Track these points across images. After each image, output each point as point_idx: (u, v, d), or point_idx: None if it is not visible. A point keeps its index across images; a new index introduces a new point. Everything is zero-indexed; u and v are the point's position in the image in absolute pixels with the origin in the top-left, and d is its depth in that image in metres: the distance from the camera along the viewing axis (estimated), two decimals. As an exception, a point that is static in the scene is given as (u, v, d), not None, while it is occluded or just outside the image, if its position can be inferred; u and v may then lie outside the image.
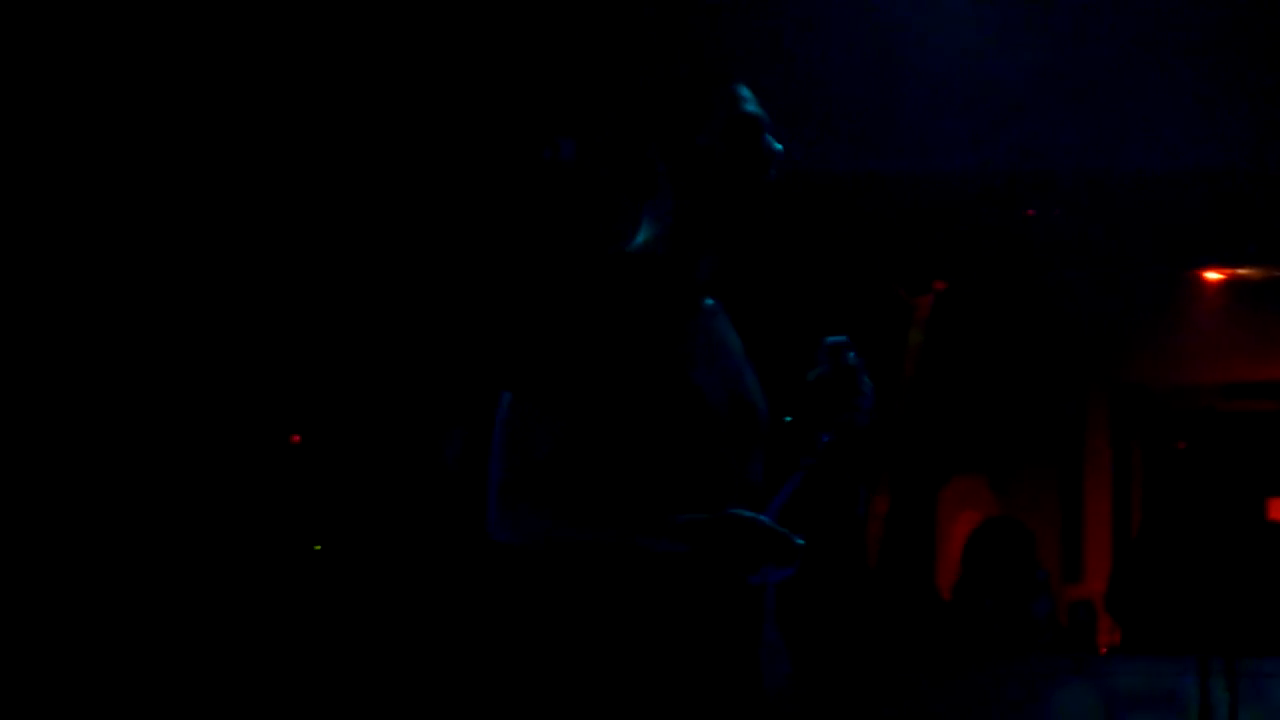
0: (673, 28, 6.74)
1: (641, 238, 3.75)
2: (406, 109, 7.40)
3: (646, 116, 3.72)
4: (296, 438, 7.58)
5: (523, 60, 7.15)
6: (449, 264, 7.63)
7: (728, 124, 3.68)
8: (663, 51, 6.70)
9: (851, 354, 3.70)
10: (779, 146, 3.73)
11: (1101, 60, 6.86)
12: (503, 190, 7.57)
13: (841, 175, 7.20)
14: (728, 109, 3.70)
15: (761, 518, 3.50)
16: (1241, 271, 8.70)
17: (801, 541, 3.53)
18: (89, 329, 7.16)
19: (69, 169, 7.01)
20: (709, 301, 3.77)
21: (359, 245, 7.65)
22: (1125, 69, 6.98)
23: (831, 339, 3.72)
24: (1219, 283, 8.85)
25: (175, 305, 7.34)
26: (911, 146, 7.61)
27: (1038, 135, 7.46)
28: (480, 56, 7.16)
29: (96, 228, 7.11)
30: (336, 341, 7.65)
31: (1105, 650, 8.05)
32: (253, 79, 7.14)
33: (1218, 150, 7.59)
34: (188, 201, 7.30)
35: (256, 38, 7.04)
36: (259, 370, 7.54)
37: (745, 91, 3.74)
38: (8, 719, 6.88)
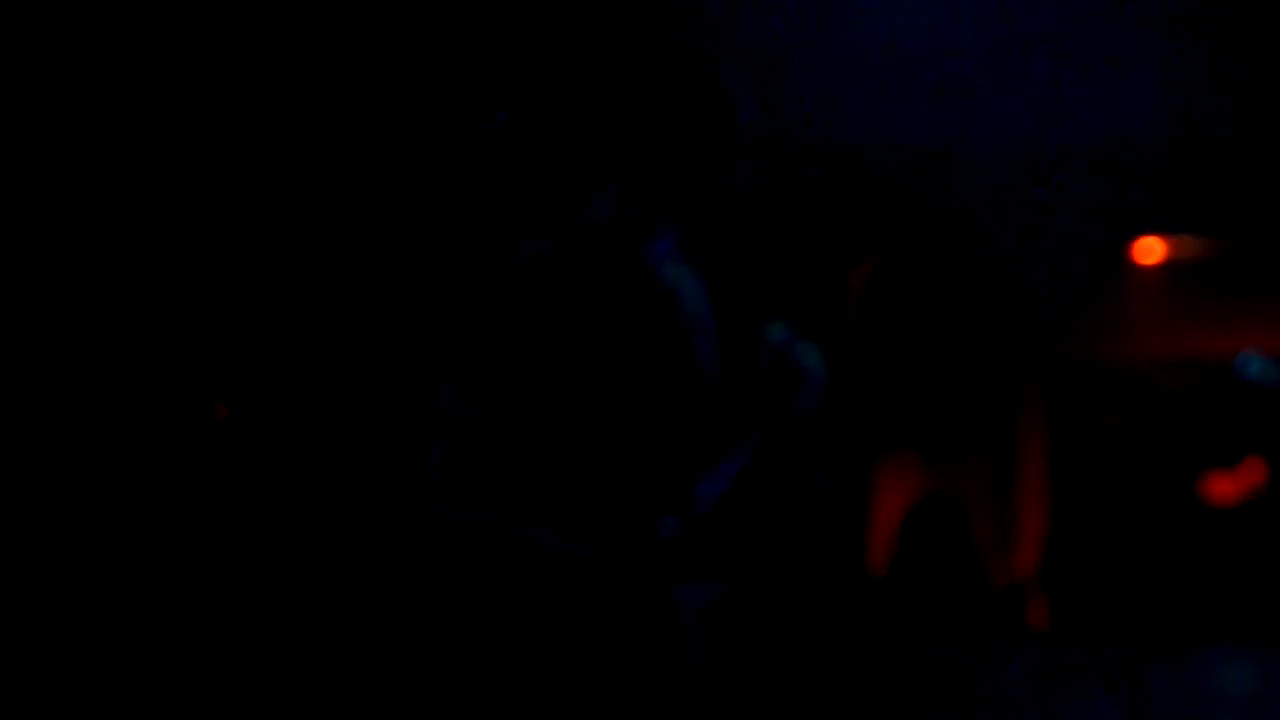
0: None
1: (591, 216, 3.69)
2: (356, 84, 7.38)
3: (616, 83, 3.66)
4: (224, 411, 7.49)
5: (468, 24, 7.10)
6: (387, 245, 7.60)
7: (705, 99, 3.63)
8: (607, 14, 6.64)
9: (796, 346, 3.67)
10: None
11: (1041, 33, 6.82)
12: (442, 162, 7.54)
13: (777, 147, 7.16)
14: (705, 83, 3.65)
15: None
16: (1179, 245, 8.68)
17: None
18: (58, 317, 7.14)
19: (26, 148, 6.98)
20: (668, 269, 3.70)
21: (295, 219, 7.61)
22: (1065, 41, 6.94)
23: (773, 334, 3.68)
24: (1156, 257, 8.83)
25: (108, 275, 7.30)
26: (847, 118, 7.58)
27: (974, 106, 7.43)
28: (429, 20, 7.11)
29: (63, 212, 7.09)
30: (271, 316, 7.60)
31: (1034, 629, 8.03)
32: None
33: (1156, 122, 7.58)
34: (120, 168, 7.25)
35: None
36: (189, 343, 7.50)
37: (723, 67, 3.69)
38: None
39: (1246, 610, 7.61)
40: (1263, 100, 7.26)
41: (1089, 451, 8.82)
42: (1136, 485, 7.32)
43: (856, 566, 8.43)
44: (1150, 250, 8.77)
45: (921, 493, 8.27)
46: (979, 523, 8.33)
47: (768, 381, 3.68)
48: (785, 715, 6.78)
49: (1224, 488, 8.14)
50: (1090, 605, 7.49)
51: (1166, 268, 8.84)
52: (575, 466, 3.52)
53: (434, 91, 7.37)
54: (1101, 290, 9.10)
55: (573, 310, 3.49)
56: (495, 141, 6.96)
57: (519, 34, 7.07)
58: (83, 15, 6.74)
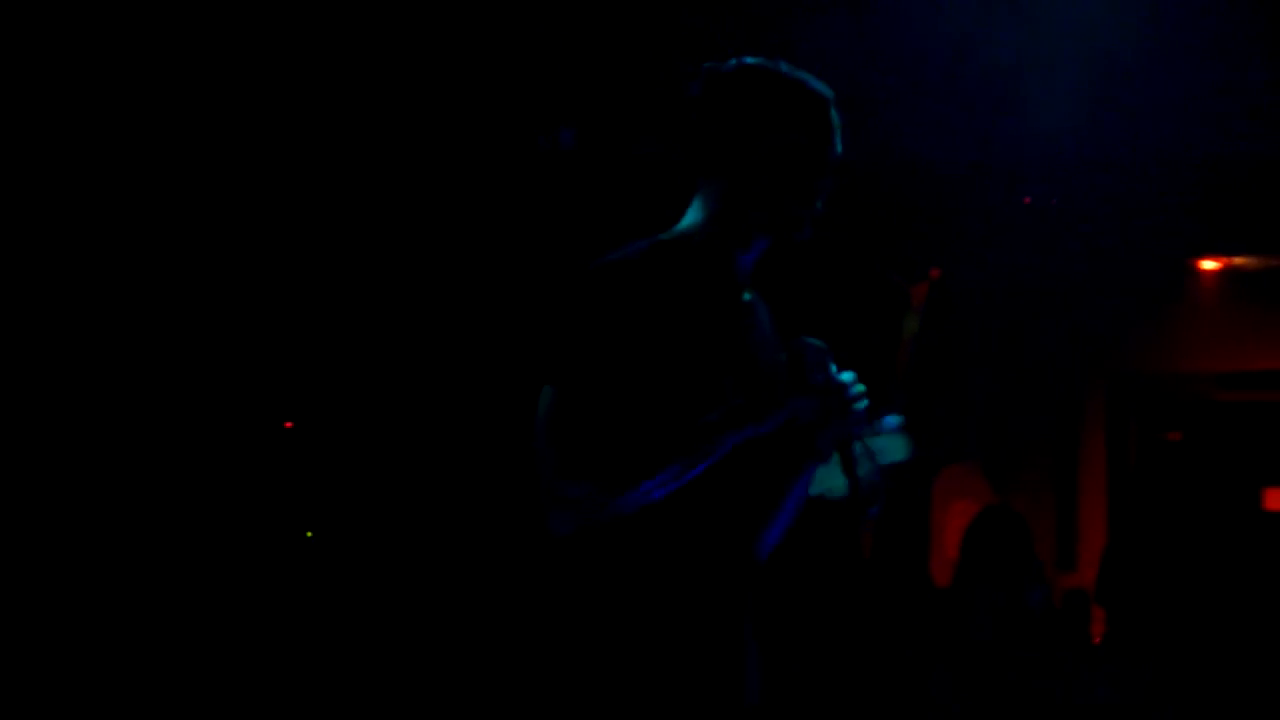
0: (661, 16, 6.71)
1: (686, 223, 3.72)
2: (417, 98, 7.40)
3: (728, 99, 3.69)
4: (289, 424, 7.54)
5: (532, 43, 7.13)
6: (462, 257, 7.63)
7: (812, 124, 3.67)
8: (653, 40, 6.68)
9: (818, 361, 3.69)
10: (840, 150, 3.72)
11: (1101, 49, 6.84)
12: (517, 181, 7.58)
13: (839, 163, 7.21)
14: (815, 109, 3.69)
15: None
16: (1238, 261, 8.69)
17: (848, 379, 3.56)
18: (82, 318, 7.14)
19: (58, 162, 7.00)
20: (747, 296, 3.74)
21: (372, 238, 7.65)
22: (1124, 58, 6.96)
23: (805, 343, 3.71)
24: (1216, 271, 8.83)
25: (168, 294, 7.33)
26: (909, 134, 7.60)
27: (1036, 124, 7.44)
28: (491, 38, 7.14)
29: (79, 214, 7.10)
30: (351, 331, 7.65)
31: (1098, 640, 8.04)
32: (251, 71, 7.12)
33: (1216, 139, 7.58)
34: (179, 188, 7.28)
35: (256, 30, 7.02)
36: (254, 358, 7.53)
37: (829, 94, 3.72)
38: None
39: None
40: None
41: (1150, 465, 8.84)
42: (1198, 499, 7.31)
43: (920, 577, 8.45)
44: (1211, 265, 8.79)
45: (982, 505, 8.29)
46: (1039, 534, 8.34)
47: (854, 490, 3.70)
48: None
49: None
50: (1147, 618, 7.48)
51: (1227, 282, 8.85)
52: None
53: (504, 110, 7.42)
54: (1163, 305, 9.11)
55: (662, 310, 3.53)
56: (555, 158, 6.98)
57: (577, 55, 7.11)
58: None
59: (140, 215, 7.16)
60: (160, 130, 7.02)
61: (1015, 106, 7.22)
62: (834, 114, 3.69)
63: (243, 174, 7.34)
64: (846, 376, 3.65)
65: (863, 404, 3.65)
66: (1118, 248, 8.19)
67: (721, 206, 3.69)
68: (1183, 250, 8.50)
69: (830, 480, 3.77)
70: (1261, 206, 7.90)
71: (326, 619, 7.45)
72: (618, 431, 3.48)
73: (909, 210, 7.72)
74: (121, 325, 7.15)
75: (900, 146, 7.68)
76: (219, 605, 7.24)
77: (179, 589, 7.21)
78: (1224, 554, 7.16)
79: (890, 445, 3.90)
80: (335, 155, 7.46)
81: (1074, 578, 9.15)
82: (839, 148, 3.69)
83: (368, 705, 7.30)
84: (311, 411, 7.69)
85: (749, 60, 3.70)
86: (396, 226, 7.66)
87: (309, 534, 7.41)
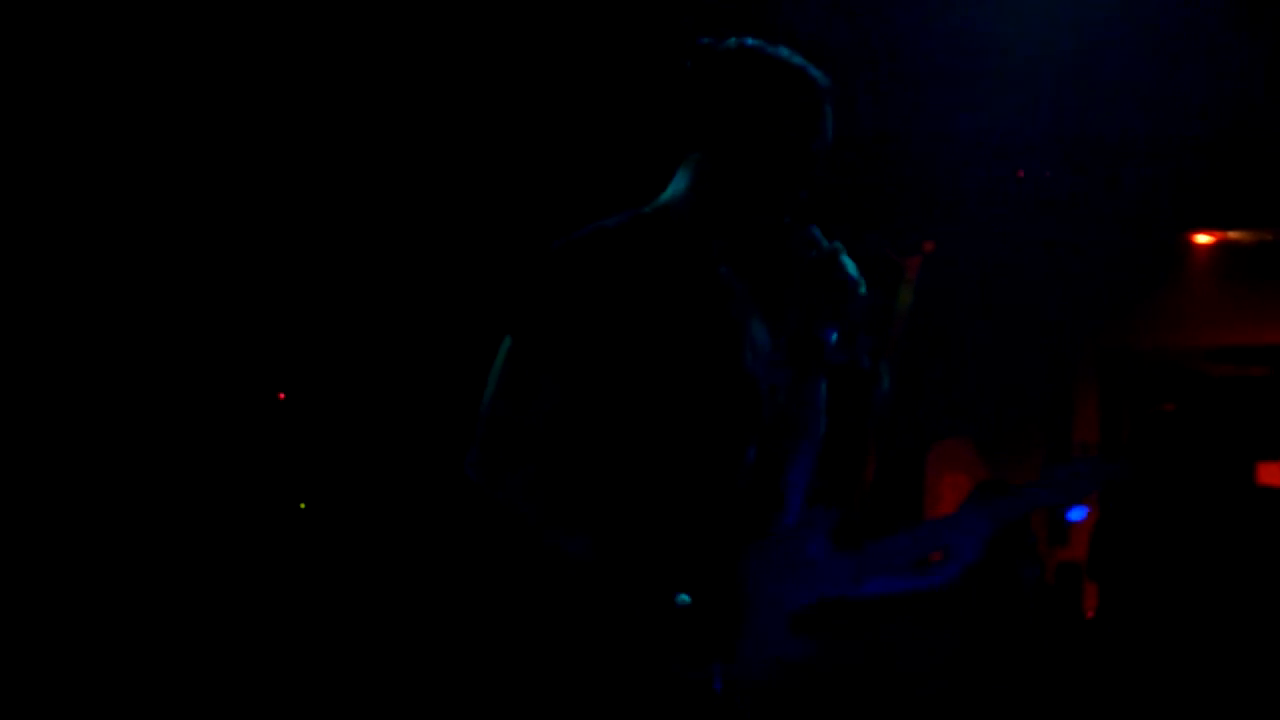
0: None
1: (666, 197, 3.71)
2: (396, 79, 7.39)
3: (723, 78, 3.67)
4: (282, 395, 7.53)
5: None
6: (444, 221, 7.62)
7: (804, 111, 3.65)
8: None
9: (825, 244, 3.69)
10: (830, 139, 3.70)
11: (1097, 24, 6.83)
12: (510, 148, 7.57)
13: (827, 153, 7.21)
14: (809, 95, 3.67)
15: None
16: (1231, 235, 8.69)
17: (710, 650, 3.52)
18: (69, 298, 7.14)
19: (46, 151, 6.99)
20: (723, 269, 3.73)
21: (362, 216, 7.65)
22: (1120, 33, 6.94)
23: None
24: (1209, 246, 8.83)
25: (160, 271, 7.33)
26: (902, 107, 7.58)
27: (1030, 98, 7.42)
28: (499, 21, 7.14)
29: (57, 197, 7.09)
30: (329, 297, 7.64)
31: (1091, 615, 8.04)
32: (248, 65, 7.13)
33: (1209, 115, 7.57)
34: (158, 169, 7.28)
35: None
36: (244, 331, 7.53)
37: (825, 82, 3.70)
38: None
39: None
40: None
41: (1142, 439, 8.83)
42: (1190, 473, 7.30)
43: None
44: (1204, 240, 8.78)
45: (974, 479, 8.28)
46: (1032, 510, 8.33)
47: (843, 384, 3.69)
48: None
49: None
50: (1139, 593, 7.48)
51: (1220, 257, 8.85)
52: (629, 458, 3.55)
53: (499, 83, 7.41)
54: (1156, 279, 9.10)
55: (634, 284, 3.52)
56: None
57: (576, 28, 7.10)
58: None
59: (122, 194, 7.15)
60: (128, 109, 7.01)
61: (1010, 79, 7.20)
62: (828, 105, 3.67)
63: (225, 155, 7.34)
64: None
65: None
66: (1111, 221, 8.17)
67: (703, 184, 3.67)
68: (1176, 225, 8.49)
69: None
70: (1254, 181, 7.90)
71: (314, 596, 7.44)
72: (560, 422, 3.48)
73: (902, 184, 7.71)
74: (111, 305, 7.16)
75: (895, 119, 7.67)
76: (208, 578, 7.24)
77: (171, 562, 7.21)
78: (1217, 528, 7.14)
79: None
80: (320, 136, 7.46)
81: (1066, 552, 9.14)
82: (829, 138, 3.67)
83: (356, 682, 7.30)
84: (304, 385, 7.69)
85: (749, 41, 3.68)
86: (386, 202, 7.65)
87: (302, 505, 7.39)
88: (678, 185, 3.69)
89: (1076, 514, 8.10)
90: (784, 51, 3.67)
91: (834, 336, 3.65)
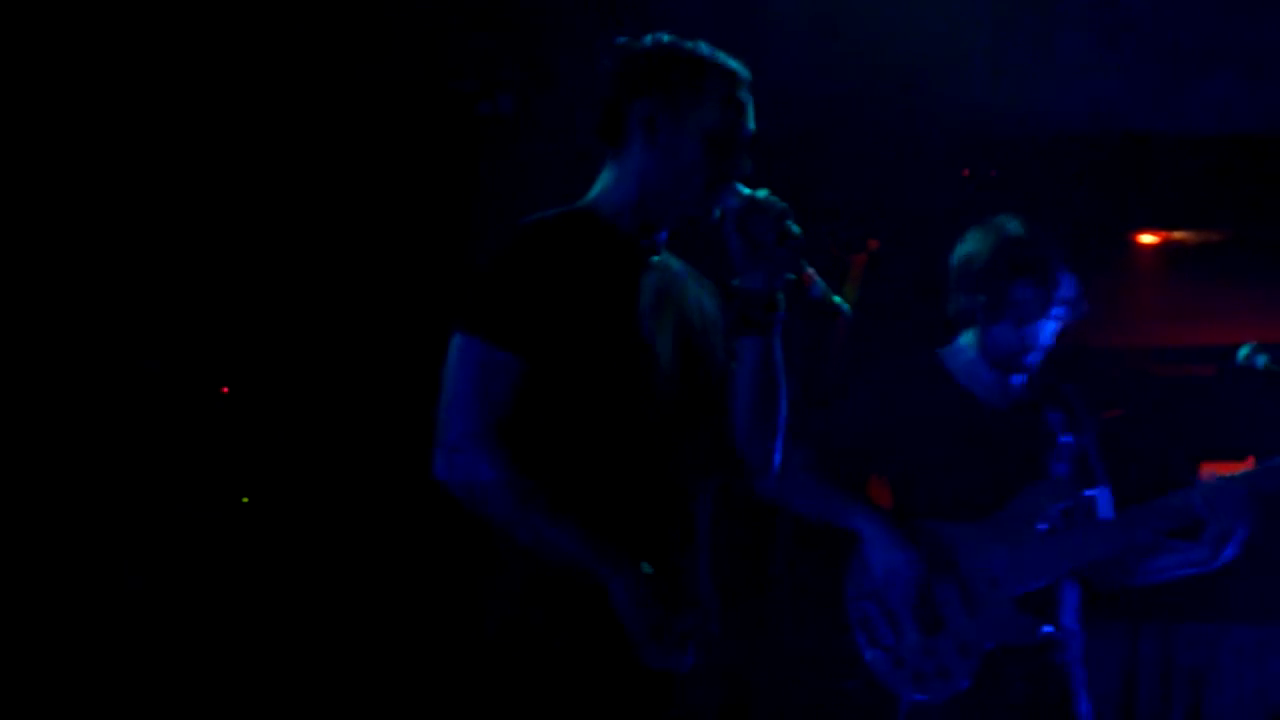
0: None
1: (593, 194, 3.73)
2: (353, 61, 7.37)
3: (640, 74, 3.69)
4: (225, 389, 7.50)
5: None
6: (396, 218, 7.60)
7: (724, 102, 3.67)
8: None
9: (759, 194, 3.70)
10: (752, 128, 3.73)
11: (1036, 21, 6.83)
12: (448, 140, 7.54)
13: (777, 133, 7.19)
14: (727, 87, 3.69)
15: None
16: (1176, 235, 8.70)
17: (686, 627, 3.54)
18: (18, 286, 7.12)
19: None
20: (655, 258, 3.75)
21: (311, 203, 7.63)
22: (1059, 31, 6.95)
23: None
24: (1154, 246, 8.84)
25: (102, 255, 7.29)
26: (847, 105, 7.58)
27: (974, 96, 7.43)
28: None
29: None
30: (274, 292, 7.61)
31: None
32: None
33: (1152, 114, 7.59)
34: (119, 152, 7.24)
35: None
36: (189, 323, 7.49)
37: (745, 73, 3.73)
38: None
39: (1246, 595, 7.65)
40: (1266, 89, 7.28)
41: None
42: (1137, 473, 7.33)
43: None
44: (1149, 240, 8.78)
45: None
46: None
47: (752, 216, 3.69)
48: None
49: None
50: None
51: (1165, 257, 8.85)
52: (586, 442, 3.56)
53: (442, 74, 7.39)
54: (1101, 279, 9.10)
55: (572, 271, 3.54)
56: (495, 122, 6.95)
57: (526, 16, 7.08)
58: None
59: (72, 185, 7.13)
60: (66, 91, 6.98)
61: (956, 78, 7.21)
62: (747, 95, 3.69)
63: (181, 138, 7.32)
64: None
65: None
66: (1056, 221, 8.18)
67: (627, 181, 3.70)
68: (1121, 224, 8.50)
69: None
70: (1199, 181, 7.92)
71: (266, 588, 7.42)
72: (523, 408, 3.49)
73: (846, 182, 7.71)
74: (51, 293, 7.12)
75: (840, 117, 7.67)
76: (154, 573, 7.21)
77: (115, 558, 7.18)
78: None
79: None
80: (276, 120, 7.44)
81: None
82: (750, 127, 3.69)
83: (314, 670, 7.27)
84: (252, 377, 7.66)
85: (664, 37, 3.71)
86: (336, 190, 7.63)
87: (244, 500, 7.36)
88: (604, 182, 3.73)
89: None
90: (702, 46, 3.71)
91: (761, 281, 3.66)
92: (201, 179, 7.44)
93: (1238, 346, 5.36)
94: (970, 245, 5.42)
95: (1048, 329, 5.35)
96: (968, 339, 5.46)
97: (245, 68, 7.27)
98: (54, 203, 7.07)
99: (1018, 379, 5.44)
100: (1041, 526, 5.20)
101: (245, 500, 7.28)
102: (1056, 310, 5.35)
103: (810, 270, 3.63)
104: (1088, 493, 5.42)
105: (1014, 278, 5.29)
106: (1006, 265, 5.30)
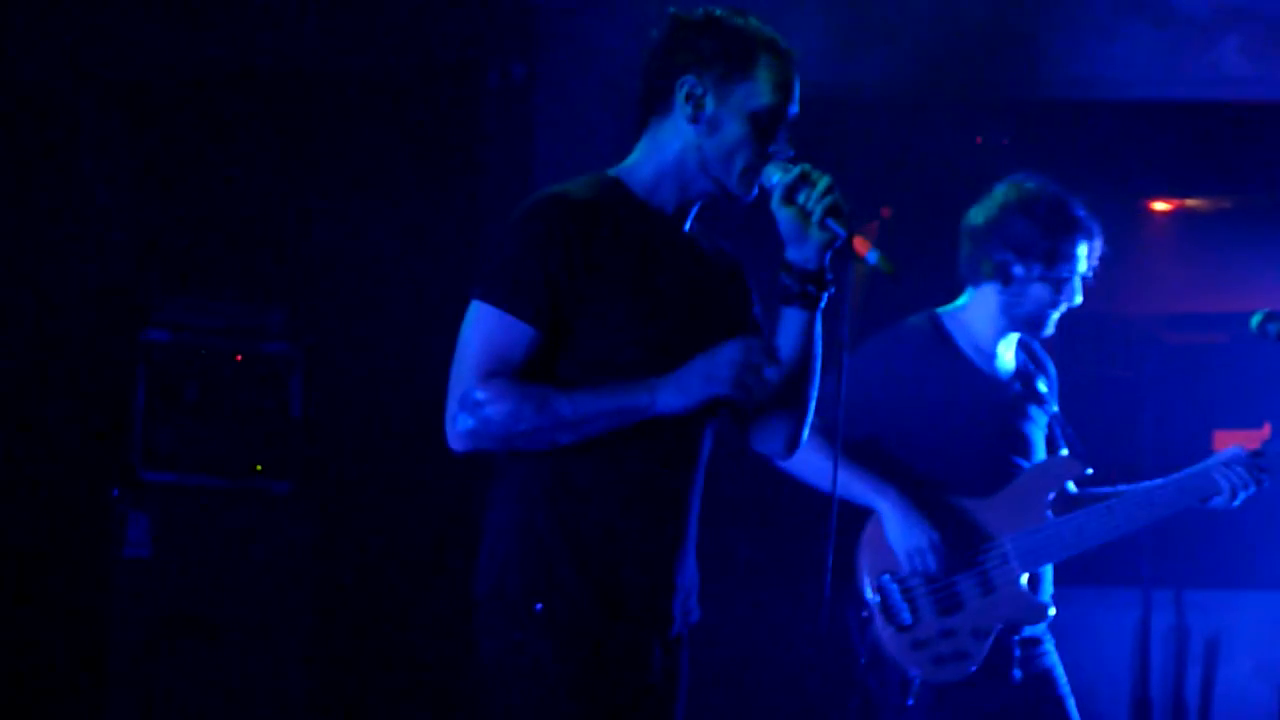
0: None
1: (630, 161, 3.73)
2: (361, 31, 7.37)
3: (691, 48, 3.67)
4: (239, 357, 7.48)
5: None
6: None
7: (772, 83, 3.65)
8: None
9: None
10: (796, 110, 3.72)
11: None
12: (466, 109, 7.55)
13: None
14: (778, 67, 3.67)
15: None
16: (1189, 203, 8.68)
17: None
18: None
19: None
20: (682, 234, 3.75)
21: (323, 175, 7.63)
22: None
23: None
24: (1167, 213, 8.82)
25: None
26: (860, 72, 7.56)
27: (986, 63, 7.41)
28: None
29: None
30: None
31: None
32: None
33: (1165, 81, 7.56)
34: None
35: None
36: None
37: (793, 53, 3.72)
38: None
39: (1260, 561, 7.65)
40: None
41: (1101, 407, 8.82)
42: (1151, 441, 7.32)
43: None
44: (1163, 207, 8.76)
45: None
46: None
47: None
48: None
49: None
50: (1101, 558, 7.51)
51: (1178, 224, 8.84)
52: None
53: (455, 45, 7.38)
54: (1114, 246, 9.07)
55: (598, 238, 3.54)
56: (508, 93, 6.94)
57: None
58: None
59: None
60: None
61: (968, 46, 7.18)
62: (794, 73, 3.68)
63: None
64: None
65: None
66: (1069, 188, 8.17)
67: (665, 153, 3.69)
68: (1134, 192, 8.48)
69: None
70: (1213, 148, 7.90)
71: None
72: (537, 360, 3.50)
73: (860, 148, 7.70)
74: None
75: (852, 84, 7.65)
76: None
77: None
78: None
79: None
80: (287, 98, 7.45)
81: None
82: (795, 110, 3.68)
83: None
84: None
85: (716, 10, 3.70)
86: (347, 162, 7.64)
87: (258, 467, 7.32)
88: (642, 150, 3.72)
89: None
90: (753, 22, 3.70)
91: (811, 255, 3.66)
92: (221, 155, 7.47)
93: (1250, 314, 5.34)
94: (1010, 201, 5.34)
95: (1079, 289, 5.32)
96: (973, 299, 5.40)
97: (257, 44, 7.29)
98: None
99: (1019, 346, 5.41)
100: (1049, 498, 5.18)
101: (259, 469, 7.24)
102: (1092, 267, 5.32)
103: (863, 236, 3.61)
104: None
105: (1070, 233, 5.24)
106: (1061, 221, 5.25)
